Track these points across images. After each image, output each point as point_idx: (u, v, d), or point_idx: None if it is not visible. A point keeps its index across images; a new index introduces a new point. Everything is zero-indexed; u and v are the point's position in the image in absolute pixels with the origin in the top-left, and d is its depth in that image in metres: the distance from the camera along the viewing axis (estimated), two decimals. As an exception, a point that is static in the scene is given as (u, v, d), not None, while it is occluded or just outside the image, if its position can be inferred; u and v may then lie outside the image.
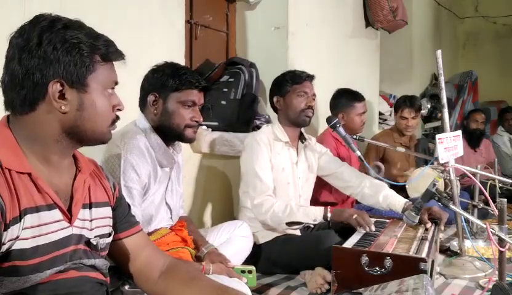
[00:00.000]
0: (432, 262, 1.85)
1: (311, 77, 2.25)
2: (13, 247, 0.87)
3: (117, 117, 1.04)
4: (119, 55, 1.01)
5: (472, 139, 4.14)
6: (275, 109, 2.30)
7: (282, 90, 2.24)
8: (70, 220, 0.97)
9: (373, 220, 2.04)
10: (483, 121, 4.26)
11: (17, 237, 0.87)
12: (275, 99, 2.26)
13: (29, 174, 0.91)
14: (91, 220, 1.04)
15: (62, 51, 0.91)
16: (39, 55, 0.90)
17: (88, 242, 1.02)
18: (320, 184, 2.50)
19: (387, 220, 2.13)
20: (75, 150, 1.05)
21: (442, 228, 2.11)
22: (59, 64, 0.91)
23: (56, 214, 0.94)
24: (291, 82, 2.21)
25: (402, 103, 3.43)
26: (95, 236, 1.04)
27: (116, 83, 1.03)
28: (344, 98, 2.88)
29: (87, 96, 0.96)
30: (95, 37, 0.97)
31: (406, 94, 3.61)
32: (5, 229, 0.85)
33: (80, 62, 0.93)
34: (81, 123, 0.96)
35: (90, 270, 1.03)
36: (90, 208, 1.05)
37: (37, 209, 0.90)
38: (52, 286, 0.93)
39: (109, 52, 0.98)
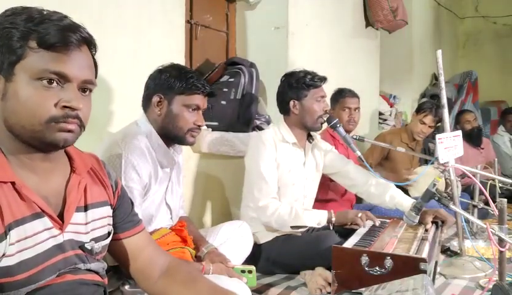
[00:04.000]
0: (436, 263, 1.85)
1: (325, 80, 2.19)
2: (0, 265, 0.83)
3: (67, 115, 0.87)
4: (62, 40, 0.85)
5: (473, 138, 4.08)
6: (286, 111, 2.20)
7: (299, 93, 2.14)
8: (62, 227, 0.93)
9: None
10: (475, 118, 4.21)
11: (3, 254, 0.83)
12: (291, 103, 2.16)
13: (13, 183, 0.85)
14: (86, 224, 0.99)
15: None
16: None
17: (83, 246, 0.98)
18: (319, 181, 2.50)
19: (387, 220, 2.13)
20: (70, 149, 0.99)
21: (445, 231, 2.11)
22: None
23: (44, 222, 0.89)
24: (310, 86, 2.14)
25: (428, 109, 3.29)
26: (91, 240, 1.00)
27: (58, 74, 0.87)
28: (335, 93, 2.97)
29: (11, 86, 0.86)
30: (39, 21, 0.85)
31: (432, 100, 3.50)
32: None
33: (7, 48, 0.85)
34: (8, 116, 0.87)
35: (87, 273, 0.99)
36: (86, 210, 1.00)
37: (22, 221, 0.85)
38: (47, 291, 0.90)
39: (47, 37, 0.84)
